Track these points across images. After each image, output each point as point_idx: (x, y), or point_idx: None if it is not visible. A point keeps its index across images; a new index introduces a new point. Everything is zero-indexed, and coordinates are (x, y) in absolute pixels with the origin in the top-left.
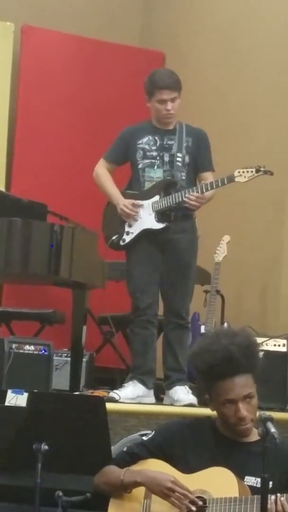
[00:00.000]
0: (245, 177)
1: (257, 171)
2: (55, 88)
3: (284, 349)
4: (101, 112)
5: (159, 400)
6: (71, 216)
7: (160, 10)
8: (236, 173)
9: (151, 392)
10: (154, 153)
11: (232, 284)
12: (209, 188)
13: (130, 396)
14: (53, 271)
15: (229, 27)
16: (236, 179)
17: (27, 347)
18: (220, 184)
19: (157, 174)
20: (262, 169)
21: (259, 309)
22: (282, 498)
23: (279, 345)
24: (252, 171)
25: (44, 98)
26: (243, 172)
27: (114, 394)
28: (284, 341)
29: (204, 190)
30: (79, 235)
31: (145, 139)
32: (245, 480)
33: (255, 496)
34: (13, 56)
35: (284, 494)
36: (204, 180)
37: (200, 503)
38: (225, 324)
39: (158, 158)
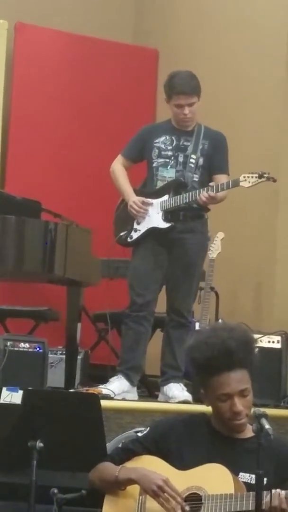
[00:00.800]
0: (249, 182)
1: (260, 176)
2: (49, 85)
3: (278, 346)
4: (95, 110)
5: (153, 397)
6: (65, 213)
7: (153, 7)
8: (241, 178)
9: (135, 389)
10: (169, 153)
11: (226, 281)
12: (214, 191)
13: (117, 391)
14: (48, 268)
15: (223, 25)
16: (241, 184)
17: (22, 344)
18: (225, 188)
19: (169, 174)
20: (265, 175)
21: (253, 306)
22: (282, 492)
23: (273, 342)
24: (256, 177)
25: (38, 95)
26: (248, 177)
27: (104, 389)
28: (279, 338)
29: (218, 190)
30: (73, 233)
31: (162, 138)
32: (239, 476)
33: (250, 492)
34: (6, 54)
35: (284, 491)
36: (217, 182)
37: (187, 508)
38: (220, 321)
39: (172, 158)
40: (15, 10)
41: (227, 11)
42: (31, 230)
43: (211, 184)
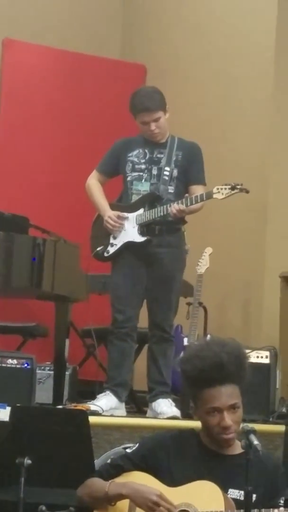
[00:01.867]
0: (222, 194)
1: (233, 188)
2: (36, 101)
3: (267, 361)
4: (83, 125)
5: (142, 413)
6: (53, 229)
7: (140, 23)
8: (214, 190)
9: (123, 405)
10: (143, 166)
11: (214, 296)
12: (188, 204)
13: (104, 408)
14: (36, 284)
15: (210, 40)
16: (214, 196)
17: (9, 360)
18: (199, 200)
19: (144, 187)
20: (238, 186)
21: (241, 321)
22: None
23: (261, 357)
24: (228, 188)
25: (26, 111)
26: (221, 189)
27: (92, 406)
28: (267, 353)
29: (190, 203)
30: (61, 248)
31: (135, 152)
32: (228, 492)
33: (241, 510)
34: None
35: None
36: (193, 193)
37: None
38: (208, 336)
39: (146, 171)
40: (2, 26)
41: (214, 26)
42: (19, 246)
43: (186, 195)
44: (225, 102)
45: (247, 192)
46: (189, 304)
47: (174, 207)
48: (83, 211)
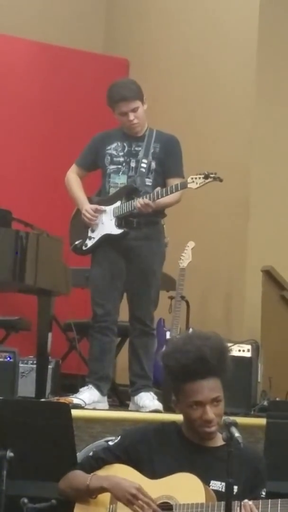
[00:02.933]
0: (196, 183)
1: (206, 177)
2: (18, 95)
3: (248, 354)
4: (65, 119)
5: (124, 406)
6: (36, 222)
7: (123, 17)
8: (189, 180)
9: (105, 398)
10: (121, 159)
11: (197, 290)
12: (163, 194)
13: (87, 401)
14: (18, 278)
15: (192, 34)
16: (189, 185)
17: None
18: (174, 190)
19: (121, 180)
20: (212, 175)
21: (223, 315)
22: (250, 502)
23: (243, 350)
24: (201, 177)
25: (7, 105)
26: (195, 178)
27: (75, 399)
28: (249, 347)
29: (158, 197)
30: (44, 242)
31: (113, 145)
32: (210, 484)
33: (222, 502)
34: None
35: (253, 501)
36: (170, 185)
37: None
38: (190, 330)
39: (124, 164)
40: None
41: (196, 20)
42: (1, 239)
43: (156, 189)
44: (207, 97)
45: (221, 180)
46: (171, 298)
47: (139, 201)
48: (66, 205)
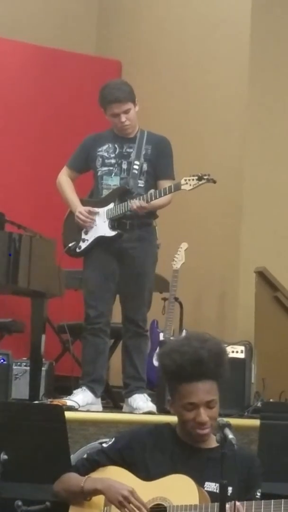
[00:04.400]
0: (190, 185)
1: (200, 179)
2: (11, 96)
3: (242, 356)
4: (57, 121)
5: (118, 408)
6: (29, 225)
7: (116, 19)
8: (182, 181)
9: (99, 400)
10: (113, 161)
11: (190, 291)
12: (157, 196)
13: (81, 403)
14: (12, 280)
15: (185, 36)
16: (182, 187)
17: None
18: (167, 192)
19: (114, 182)
20: (205, 177)
21: (217, 316)
22: (238, 503)
23: (237, 352)
24: (195, 179)
25: None
26: (189, 180)
27: (69, 401)
28: (242, 348)
29: (152, 198)
30: (37, 244)
31: (105, 147)
32: (205, 486)
33: (215, 503)
34: None
35: (246, 502)
36: (161, 188)
37: None
38: (184, 332)
39: (116, 165)
40: None
41: (189, 22)
42: None
43: (150, 191)
44: (200, 99)
45: (214, 182)
46: (164, 299)
47: (135, 203)
48: (59, 207)
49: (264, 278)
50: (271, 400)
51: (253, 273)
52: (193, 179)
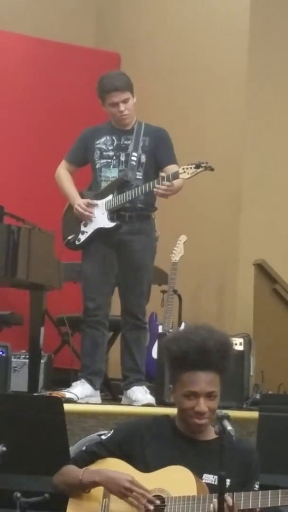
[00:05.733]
0: (188, 173)
1: (198, 166)
2: (11, 89)
3: (241, 348)
4: (56, 113)
5: (117, 400)
6: (27, 217)
7: (114, 11)
8: (180, 170)
9: (98, 392)
10: (111, 153)
11: (189, 284)
12: (156, 184)
13: (80, 395)
14: (10, 273)
15: (183, 28)
16: (180, 176)
17: None
18: (166, 181)
19: (112, 174)
20: (203, 165)
21: (216, 309)
22: (228, 498)
23: (236, 344)
24: (193, 167)
25: None
26: (187, 168)
27: (67, 393)
28: (241, 340)
29: (150, 188)
30: (36, 237)
31: (102, 139)
32: (203, 478)
33: (213, 494)
34: None
35: (244, 492)
36: (170, 172)
37: (158, 502)
38: (183, 324)
39: (114, 158)
40: None
41: (187, 14)
42: None
43: (162, 174)
44: (198, 91)
45: (212, 169)
46: (163, 292)
47: (160, 187)
48: (58, 200)
49: (262, 270)
50: (270, 392)
51: (252, 265)
52: (190, 167)
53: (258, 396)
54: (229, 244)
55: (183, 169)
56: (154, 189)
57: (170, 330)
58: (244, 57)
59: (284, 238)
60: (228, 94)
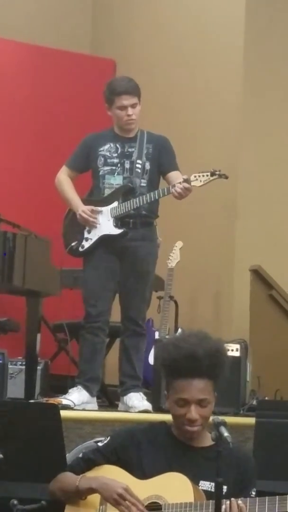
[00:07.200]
0: (200, 181)
1: (212, 174)
2: (6, 96)
3: (237, 354)
4: (52, 120)
5: (113, 406)
6: (24, 224)
7: (110, 18)
8: (192, 178)
9: (95, 399)
10: (115, 160)
11: (185, 290)
12: (165, 193)
13: (76, 402)
14: (6, 279)
15: (179, 35)
16: (192, 183)
17: None
18: (183, 182)
19: (117, 181)
20: (217, 172)
21: (212, 314)
22: (239, 502)
23: (232, 350)
24: (207, 175)
25: None
26: (199, 176)
27: (64, 400)
28: (237, 346)
29: (160, 195)
30: (32, 243)
31: (106, 146)
32: (200, 484)
33: (210, 501)
34: None
35: (241, 498)
36: (174, 179)
37: None
38: (179, 330)
39: (119, 165)
40: None
41: (183, 21)
42: None
43: (184, 176)
44: (194, 97)
45: (226, 177)
46: (160, 298)
47: (178, 187)
48: (54, 206)
49: (259, 276)
50: (266, 398)
51: (248, 271)
52: (203, 175)
53: (254, 402)
54: (225, 250)
55: (195, 176)
56: (173, 189)
57: (167, 336)
58: (239, 63)
59: (280, 244)
60: (224, 101)
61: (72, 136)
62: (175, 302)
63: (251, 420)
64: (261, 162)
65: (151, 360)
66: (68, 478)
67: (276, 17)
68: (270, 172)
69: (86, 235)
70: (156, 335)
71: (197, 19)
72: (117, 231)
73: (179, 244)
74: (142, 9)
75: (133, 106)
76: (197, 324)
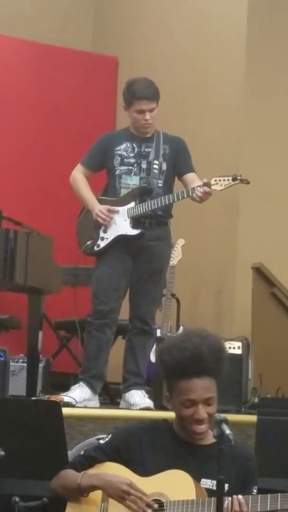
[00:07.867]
0: (221, 185)
1: (234, 179)
2: (8, 93)
3: (239, 352)
4: (54, 117)
5: (115, 404)
6: (26, 221)
7: (112, 16)
8: (213, 181)
9: (97, 397)
10: (132, 160)
11: (187, 287)
12: (185, 196)
13: (78, 399)
14: (8, 276)
15: (181, 32)
16: (213, 187)
17: None
18: (203, 186)
19: (133, 181)
20: (239, 177)
21: (214, 312)
22: (239, 497)
23: (234, 348)
24: (229, 180)
25: None
26: (220, 180)
27: (66, 397)
28: (239, 344)
29: (179, 198)
30: (34, 240)
31: (123, 146)
32: (201, 482)
33: (212, 498)
34: None
35: (243, 496)
36: (191, 181)
37: (156, 506)
38: (181, 328)
39: (135, 165)
40: None
41: (185, 18)
42: None
43: (205, 180)
44: (196, 95)
45: (248, 183)
46: (161, 295)
47: (199, 191)
48: (57, 203)
49: (261, 274)
50: (268, 395)
51: (250, 269)
52: (225, 179)
53: (256, 400)
54: (227, 248)
55: (215, 180)
56: (193, 194)
57: (168, 334)
58: (241, 62)
59: (282, 241)
60: (226, 98)
61: (74, 132)
62: (177, 300)
63: (253, 418)
64: (263, 161)
65: (152, 357)
66: (69, 475)
67: (279, 18)
68: (271, 170)
69: (102, 234)
70: (158, 333)
71: (199, 17)
72: (134, 232)
73: (181, 241)
74: (144, 6)
75: (151, 110)
76: (199, 322)
